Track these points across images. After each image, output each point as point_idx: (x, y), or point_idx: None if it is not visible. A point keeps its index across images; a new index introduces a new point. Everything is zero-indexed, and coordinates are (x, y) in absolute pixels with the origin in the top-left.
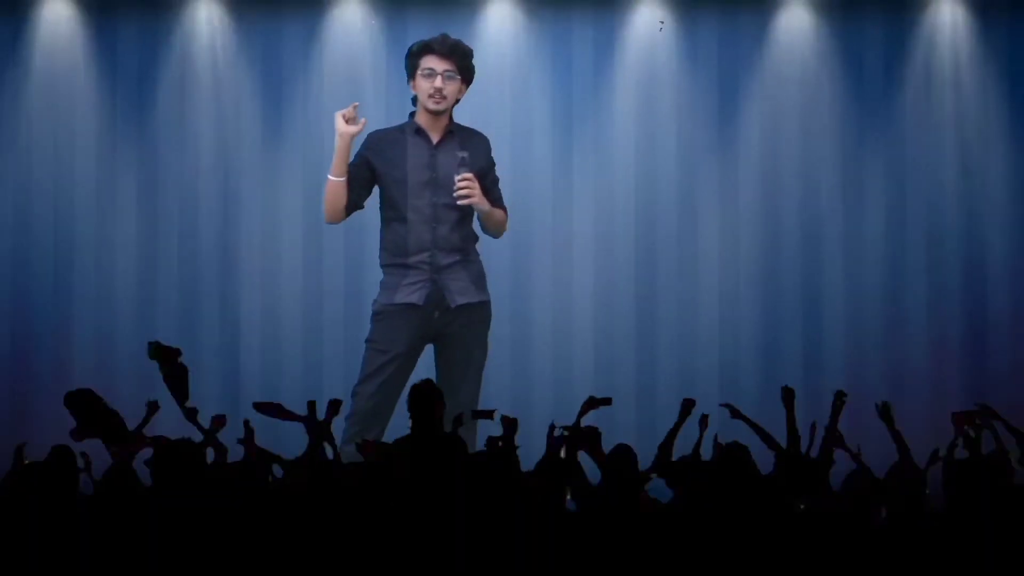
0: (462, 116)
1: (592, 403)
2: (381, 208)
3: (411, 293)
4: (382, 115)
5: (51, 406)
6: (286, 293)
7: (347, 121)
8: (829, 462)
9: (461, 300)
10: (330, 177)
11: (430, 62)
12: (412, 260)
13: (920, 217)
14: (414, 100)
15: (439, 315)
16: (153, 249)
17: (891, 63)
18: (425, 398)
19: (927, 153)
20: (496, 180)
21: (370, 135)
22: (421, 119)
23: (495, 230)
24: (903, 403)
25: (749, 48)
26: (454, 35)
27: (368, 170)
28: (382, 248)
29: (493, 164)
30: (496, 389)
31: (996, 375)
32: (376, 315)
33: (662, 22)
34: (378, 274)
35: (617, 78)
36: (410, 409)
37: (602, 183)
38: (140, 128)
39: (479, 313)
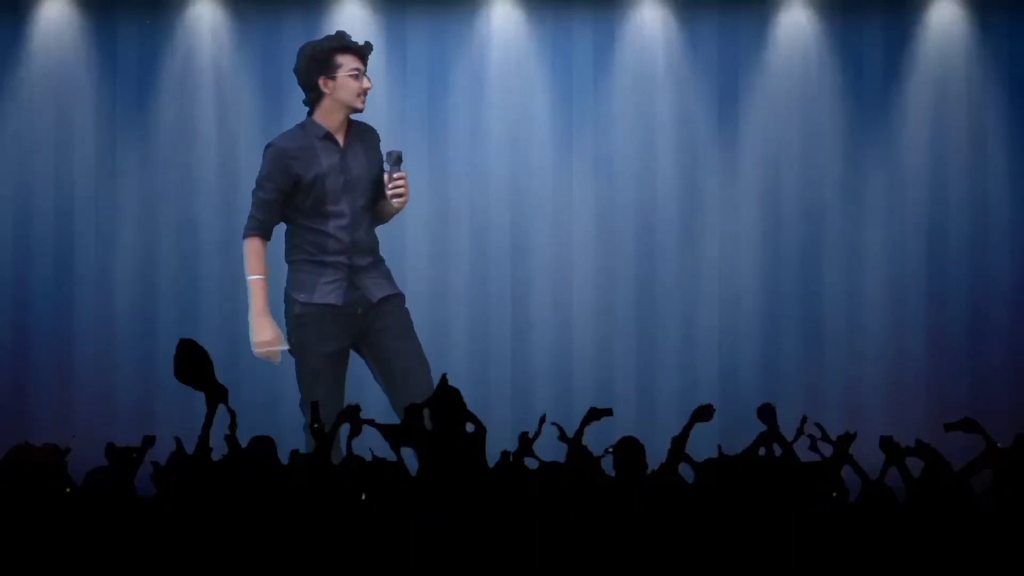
0: (462, 113)
1: (594, 414)
2: (290, 212)
3: (329, 293)
4: (382, 115)
5: (51, 405)
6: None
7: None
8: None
9: (380, 294)
10: (251, 281)
11: (355, 62)
12: (330, 259)
13: (920, 217)
14: (309, 100)
15: (363, 312)
16: (153, 248)
17: (891, 63)
18: (451, 400)
19: (927, 153)
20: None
21: (281, 145)
22: (329, 121)
23: (390, 217)
24: (903, 403)
25: (749, 48)
26: (454, 35)
27: (292, 183)
28: (294, 246)
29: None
30: (497, 389)
31: (997, 375)
32: (298, 318)
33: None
34: None
35: (617, 78)
36: (434, 411)
37: (602, 183)
38: (140, 128)
39: (401, 302)
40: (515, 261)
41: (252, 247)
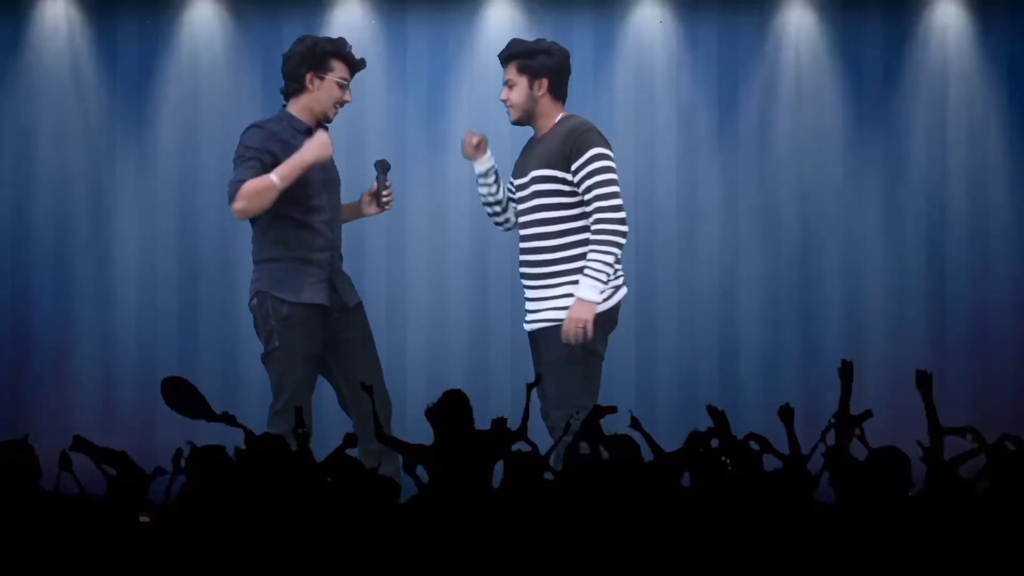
0: (462, 113)
1: (598, 412)
2: (278, 201)
3: (317, 293)
4: (381, 115)
5: (51, 406)
6: None
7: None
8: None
9: (353, 300)
10: (276, 182)
11: (345, 71)
12: (316, 257)
13: (920, 216)
14: (287, 91)
15: (337, 316)
16: (153, 248)
17: (891, 63)
18: (460, 408)
19: (927, 152)
20: None
21: (264, 129)
22: (308, 118)
23: (354, 219)
24: (903, 403)
25: (749, 48)
26: (454, 35)
27: (272, 161)
28: (275, 242)
29: None
30: (496, 389)
31: (997, 375)
32: (286, 319)
33: (661, 21)
34: (380, 273)
35: (617, 78)
36: (441, 419)
37: None
38: (140, 128)
39: (364, 312)
40: (515, 261)
41: (243, 191)
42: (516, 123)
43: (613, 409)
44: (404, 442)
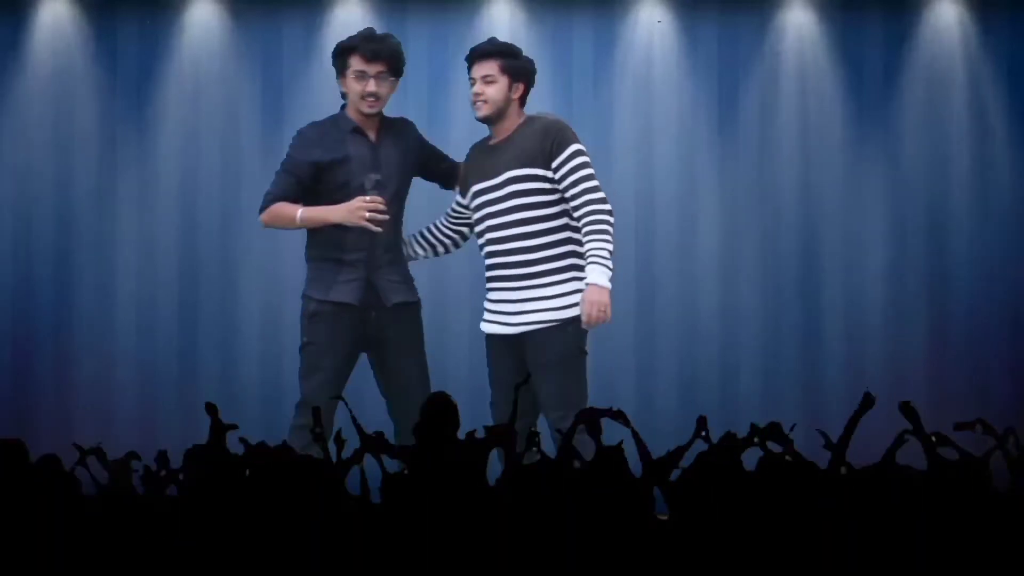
0: (462, 113)
1: (591, 413)
2: (314, 203)
3: (347, 292)
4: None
5: (51, 406)
6: (286, 293)
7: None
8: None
9: (396, 299)
10: (296, 220)
11: (359, 64)
12: (349, 257)
13: (920, 216)
14: (345, 95)
15: (375, 315)
16: (153, 249)
17: (891, 63)
18: (443, 412)
19: (927, 152)
20: (440, 153)
21: (305, 130)
22: (356, 116)
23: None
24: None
25: (749, 48)
26: (454, 35)
27: (312, 170)
28: (313, 243)
29: (425, 140)
30: None
31: (997, 374)
32: (312, 316)
33: (660, 22)
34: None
35: (617, 78)
36: (427, 423)
37: (601, 182)
38: (140, 128)
39: (414, 313)
40: None
41: (271, 210)
42: (483, 119)
43: (610, 411)
44: (390, 444)
